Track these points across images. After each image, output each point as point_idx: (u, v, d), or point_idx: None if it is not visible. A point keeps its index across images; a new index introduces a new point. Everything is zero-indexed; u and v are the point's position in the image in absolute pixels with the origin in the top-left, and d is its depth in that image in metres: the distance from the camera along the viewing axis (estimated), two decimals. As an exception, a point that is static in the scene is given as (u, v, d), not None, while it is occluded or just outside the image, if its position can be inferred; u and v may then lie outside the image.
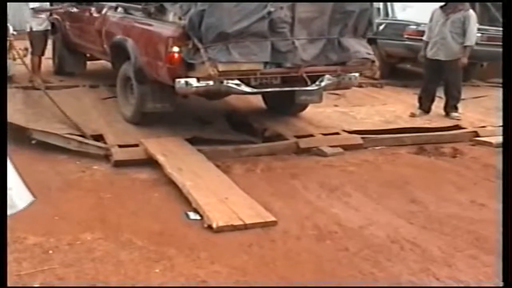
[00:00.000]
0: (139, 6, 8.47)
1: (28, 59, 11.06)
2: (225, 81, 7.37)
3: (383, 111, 9.97)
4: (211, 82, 7.31)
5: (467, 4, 9.79)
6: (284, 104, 9.24)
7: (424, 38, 9.93)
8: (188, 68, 7.26)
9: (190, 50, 7.16)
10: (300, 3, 7.42)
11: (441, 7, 9.68)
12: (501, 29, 12.13)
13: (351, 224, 5.75)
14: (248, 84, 7.61)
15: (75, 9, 11.41)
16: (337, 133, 8.66)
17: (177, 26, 7.40)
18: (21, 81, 10.84)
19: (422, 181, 7.10)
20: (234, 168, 7.27)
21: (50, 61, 12.62)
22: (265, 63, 7.43)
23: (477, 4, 12.31)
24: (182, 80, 7.30)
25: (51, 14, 11.91)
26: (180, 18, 7.44)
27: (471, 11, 9.66)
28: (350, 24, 7.76)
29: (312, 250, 5.21)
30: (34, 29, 11.27)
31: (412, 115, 9.90)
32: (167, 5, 7.86)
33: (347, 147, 8.18)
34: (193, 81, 7.30)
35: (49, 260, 4.83)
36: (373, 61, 8.26)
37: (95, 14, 10.18)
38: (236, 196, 6.15)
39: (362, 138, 8.45)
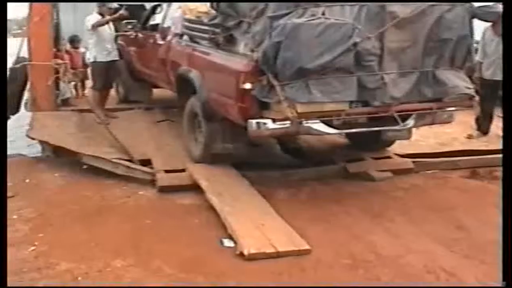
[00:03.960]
0: (206, 35, 7.65)
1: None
2: (304, 122, 6.40)
3: (440, 133, 9.70)
4: (288, 124, 6.35)
5: None
6: (369, 141, 8.22)
7: (478, 58, 9.65)
8: (262, 107, 6.48)
9: (264, 87, 6.33)
10: (391, 32, 6.52)
11: (492, 25, 9.40)
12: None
13: (387, 252, 5.61)
14: (329, 124, 6.64)
15: (139, 34, 10.89)
16: (388, 157, 8.47)
17: (250, 59, 6.52)
18: (77, 104, 10.97)
19: (470, 206, 6.89)
20: (277, 193, 7.17)
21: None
22: (351, 102, 6.56)
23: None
24: (256, 121, 6.47)
25: (116, 40, 11.19)
26: (252, 50, 6.55)
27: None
28: (446, 54, 6.84)
29: (342, 279, 5.11)
30: (98, 59, 10.36)
31: (469, 136, 9.64)
32: (237, 34, 7.05)
33: (397, 172, 8.01)
34: (268, 122, 6.44)
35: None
36: (472, 96, 7.10)
37: (160, 41, 9.70)
38: (273, 222, 6.10)
39: (414, 162, 8.26)
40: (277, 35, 6.13)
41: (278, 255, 5.45)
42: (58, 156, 8.54)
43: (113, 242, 5.80)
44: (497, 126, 9.77)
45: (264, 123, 6.46)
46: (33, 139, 8.87)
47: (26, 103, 10.20)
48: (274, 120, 6.42)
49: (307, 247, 5.60)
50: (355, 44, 6.27)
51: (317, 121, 6.51)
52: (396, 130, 7.04)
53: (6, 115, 8.72)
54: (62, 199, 6.98)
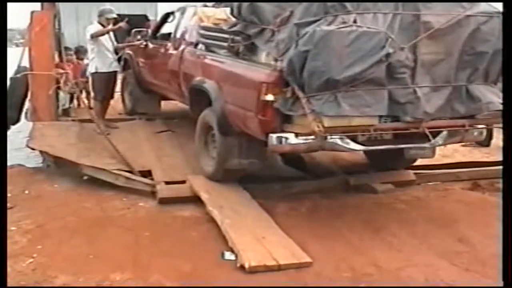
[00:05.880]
0: (225, 44, 7.20)
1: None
2: (329, 137, 6.03)
3: (441, 144, 9.70)
4: (312, 139, 6.02)
5: None
6: (391, 159, 7.82)
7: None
8: (284, 120, 6.12)
9: (288, 99, 5.98)
10: (425, 43, 6.14)
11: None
12: None
13: (388, 265, 5.57)
14: (354, 140, 6.24)
15: (149, 44, 10.49)
16: (390, 169, 8.42)
17: (272, 69, 6.14)
18: (78, 114, 10.91)
19: (472, 218, 6.87)
20: (278, 206, 7.08)
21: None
22: (380, 117, 6.17)
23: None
24: (278, 136, 6.09)
25: (116, 53, 10.81)
26: (276, 60, 6.16)
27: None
28: (481, 68, 6.44)
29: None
30: (99, 70, 10.17)
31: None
32: (259, 43, 6.65)
33: (399, 184, 7.98)
34: (290, 137, 6.07)
35: (75, 301, 4.87)
36: None
37: (172, 51, 9.25)
38: (274, 236, 6.04)
39: (415, 174, 8.23)
40: (304, 44, 5.76)
41: (279, 268, 5.41)
42: (59, 166, 8.50)
43: (112, 255, 5.75)
44: (497, 137, 9.73)
45: (286, 138, 6.08)
46: (33, 149, 8.83)
47: (26, 113, 10.17)
48: (296, 135, 6.06)
49: (308, 259, 5.55)
50: (387, 55, 5.89)
51: (343, 136, 6.11)
52: (421, 148, 6.65)
53: (5, 116, 8.69)
54: (62, 211, 6.93)
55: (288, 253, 5.64)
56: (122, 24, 10.18)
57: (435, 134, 6.46)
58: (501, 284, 4.68)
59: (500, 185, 7.88)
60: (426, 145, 6.49)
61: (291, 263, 5.48)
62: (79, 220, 6.68)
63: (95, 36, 9.94)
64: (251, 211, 6.74)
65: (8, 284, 4.87)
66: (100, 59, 10.18)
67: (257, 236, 5.95)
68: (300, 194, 7.50)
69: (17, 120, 10.02)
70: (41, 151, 8.85)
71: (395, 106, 6.13)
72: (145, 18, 20.81)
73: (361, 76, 5.79)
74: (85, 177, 8.09)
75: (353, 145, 6.23)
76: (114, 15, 10.15)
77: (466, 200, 7.59)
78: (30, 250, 5.82)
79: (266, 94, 6.03)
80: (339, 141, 6.10)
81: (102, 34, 10.02)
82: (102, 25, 10.05)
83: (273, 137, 6.09)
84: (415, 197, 7.63)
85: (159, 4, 22.44)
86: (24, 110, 10.24)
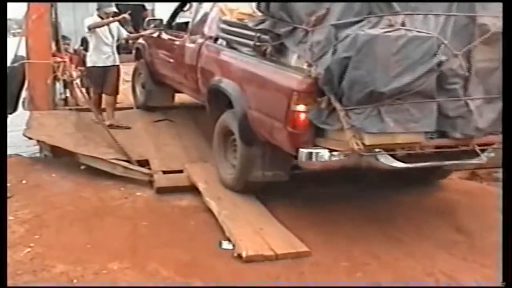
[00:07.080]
0: (250, 42, 6.45)
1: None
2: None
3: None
4: (348, 155, 5.31)
5: None
6: (427, 171, 6.93)
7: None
8: (317, 134, 5.43)
9: (323, 111, 5.25)
10: (480, 49, 5.37)
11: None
12: None
13: (387, 256, 5.57)
14: (393, 156, 5.42)
15: (163, 34, 9.94)
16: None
17: (305, 76, 5.39)
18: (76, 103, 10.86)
19: (470, 208, 6.87)
20: (276, 196, 6.95)
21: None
22: (425, 132, 5.43)
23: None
24: (309, 151, 5.40)
25: (118, 46, 10.54)
26: (309, 64, 5.39)
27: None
28: None
29: (340, 283, 5.07)
30: (96, 64, 9.95)
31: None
32: (289, 44, 5.85)
33: (397, 173, 7.93)
34: (323, 153, 5.38)
35: (73, 289, 4.87)
36: None
37: (189, 44, 8.47)
38: (272, 227, 6.04)
39: (414, 163, 8.16)
40: (345, 49, 5.06)
41: (276, 257, 5.41)
42: (56, 156, 8.48)
43: (110, 244, 5.75)
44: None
45: (318, 153, 5.40)
46: (30, 138, 8.80)
47: (23, 102, 10.12)
48: (330, 151, 5.38)
49: (306, 249, 5.56)
50: (439, 63, 5.17)
51: (385, 154, 5.36)
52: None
53: (6, 115, 8.65)
54: (59, 201, 6.92)
55: (285, 244, 5.64)
56: (125, 15, 10.07)
57: (482, 149, 5.74)
58: (500, 274, 4.70)
59: (498, 175, 7.91)
60: (474, 161, 5.79)
61: (289, 253, 5.49)
62: (76, 209, 6.68)
63: (92, 28, 9.85)
64: (248, 203, 6.70)
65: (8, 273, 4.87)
66: (96, 53, 10.01)
67: (255, 228, 5.95)
68: (298, 184, 7.44)
69: (15, 109, 9.97)
70: (38, 141, 8.82)
71: (444, 121, 5.45)
72: (142, 7, 20.74)
73: (409, 87, 5.09)
74: (83, 167, 8.06)
75: (395, 163, 5.43)
76: (113, 9, 10.02)
77: (464, 189, 7.58)
78: (28, 240, 5.82)
79: (297, 104, 5.36)
80: (379, 159, 5.36)
81: (100, 26, 9.89)
82: (101, 18, 9.92)
83: (304, 152, 5.42)
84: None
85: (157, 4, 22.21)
86: (22, 99, 10.18)
